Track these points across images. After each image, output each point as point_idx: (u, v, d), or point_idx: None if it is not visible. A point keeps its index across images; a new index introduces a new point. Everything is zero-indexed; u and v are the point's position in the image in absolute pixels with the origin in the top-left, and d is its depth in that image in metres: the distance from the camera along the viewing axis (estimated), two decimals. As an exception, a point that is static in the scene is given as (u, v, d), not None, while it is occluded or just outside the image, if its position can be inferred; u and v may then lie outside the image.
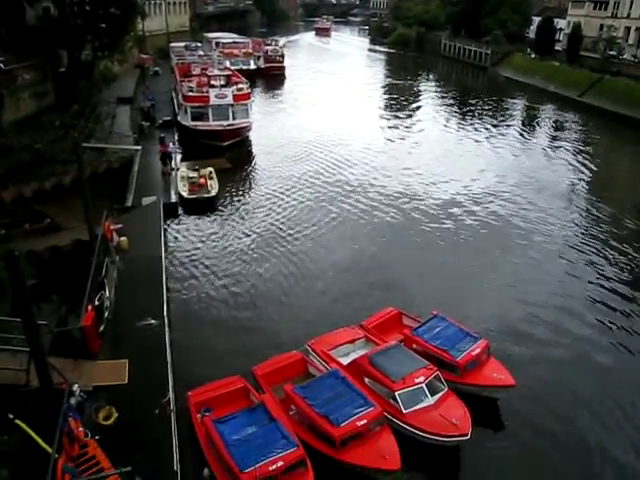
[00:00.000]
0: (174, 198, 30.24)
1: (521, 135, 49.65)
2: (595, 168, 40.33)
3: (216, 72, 46.48)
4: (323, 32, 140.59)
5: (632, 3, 71.18)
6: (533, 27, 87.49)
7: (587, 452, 15.35)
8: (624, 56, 67.94)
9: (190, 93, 42.08)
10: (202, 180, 31.99)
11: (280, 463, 12.74)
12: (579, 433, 16.01)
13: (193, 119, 40.83)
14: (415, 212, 30.75)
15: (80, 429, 13.30)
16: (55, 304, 20.56)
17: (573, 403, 17.09)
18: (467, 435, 14.53)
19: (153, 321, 18.27)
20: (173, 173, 33.16)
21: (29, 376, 14.39)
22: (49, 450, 12.46)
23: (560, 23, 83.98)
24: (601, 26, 75.90)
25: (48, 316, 18.60)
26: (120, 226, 23.72)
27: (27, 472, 13.49)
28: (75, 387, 14.41)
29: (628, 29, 71.59)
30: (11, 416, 13.45)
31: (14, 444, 13.29)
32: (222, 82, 44.30)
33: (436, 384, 15.80)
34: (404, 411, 15.01)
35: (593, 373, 18.52)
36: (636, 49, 69.03)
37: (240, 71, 56.33)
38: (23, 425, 13.28)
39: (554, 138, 49.01)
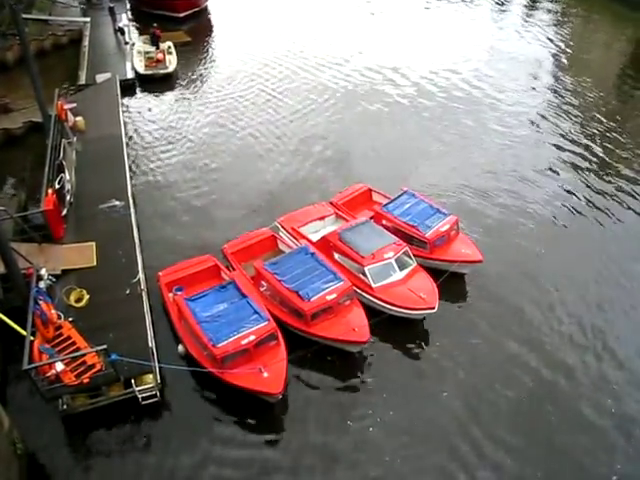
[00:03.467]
0: (130, 74, 28.42)
1: (496, 8, 47.07)
2: (571, 43, 38.91)
3: None
4: None
5: None
6: None
7: (546, 318, 16.24)
8: None
9: (141, -43, 38.08)
10: (160, 55, 30.00)
11: (252, 337, 13.15)
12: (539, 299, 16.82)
13: (145, -13, 37.35)
14: (384, 86, 29.64)
15: (52, 312, 13.40)
16: (13, 189, 19.82)
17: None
18: (434, 308, 15.10)
19: (117, 202, 17.85)
20: (128, 47, 30.90)
21: (-7, 262, 14.14)
22: (24, 333, 12.58)
23: None
24: None
25: (7, 202, 18.07)
26: (74, 105, 22.31)
27: (5, 356, 13.75)
28: (43, 271, 14.31)
29: None
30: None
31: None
32: (174, -58, 40.13)
33: (405, 259, 16.12)
34: (373, 285, 15.43)
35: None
36: None
37: None
38: (-5, 311, 13.29)
39: (530, 10, 46.66)
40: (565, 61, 35.41)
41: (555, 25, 42.42)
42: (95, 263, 15.61)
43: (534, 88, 30.59)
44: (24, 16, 23.81)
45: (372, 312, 15.11)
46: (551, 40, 38.77)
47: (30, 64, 19.45)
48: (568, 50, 37.22)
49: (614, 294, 17.14)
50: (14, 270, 13.53)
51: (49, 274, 14.54)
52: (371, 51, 34.01)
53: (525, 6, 47.87)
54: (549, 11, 45.72)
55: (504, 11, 45.74)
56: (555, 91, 30.56)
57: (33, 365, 11.73)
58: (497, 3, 47.35)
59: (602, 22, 44.52)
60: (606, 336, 15.78)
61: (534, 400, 14.06)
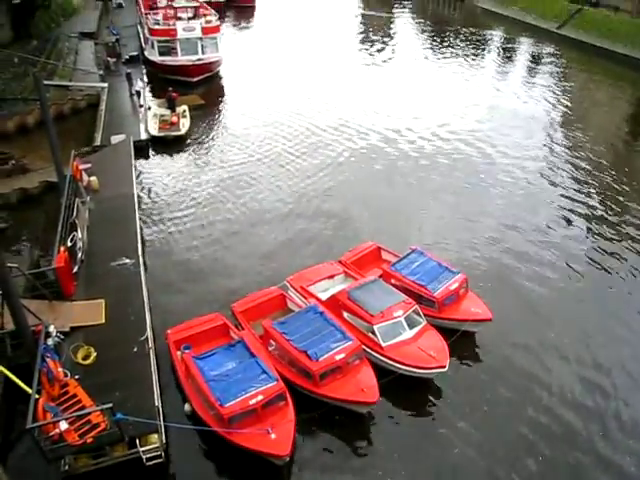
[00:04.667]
0: (144, 136, 29.34)
1: (499, 67, 48.82)
2: (571, 101, 40.09)
3: (183, 3, 44.36)
4: None
5: None
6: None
7: (560, 386, 15.87)
8: (603, -14, 66.42)
9: (156, 26, 40.17)
10: (174, 118, 31.08)
11: (260, 397, 12.93)
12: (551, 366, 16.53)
13: (161, 54, 39.21)
14: (387, 145, 30.41)
15: (59, 369, 13.26)
16: (27, 247, 20.12)
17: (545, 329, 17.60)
18: (445, 367, 14.87)
19: (128, 260, 18.01)
20: (142, 110, 32.05)
21: (3, 319, 14.19)
22: (29, 391, 12.43)
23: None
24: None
25: (20, 259, 18.32)
26: (89, 166, 22.97)
27: (9, 414, 13.56)
28: (51, 328, 14.24)
29: (608, -43, 69.67)
30: (-12, 359, 13.36)
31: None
32: (189, 14, 42.44)
33: (414, 318, 16.01)
34: (383, 344, 15.25)
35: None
36: (615, -22, 67.46)
37: (209, 3, 53.73)
38: (2, 368, 13.19)
39: (532, 71, 48.32)
40: (566, 118, 36.57)
41: (556, 84, 43.79)
42: (104, 320, 15.59)
43: (535, 145, 31.60)
44: (46, 83, 24.91)
45: (382, 371, 14.86)
46: (552, 98, 40.10)
47: (49, 127, 20.12)
48: (569, 108, 38.44)
49: (628, 353, 16.80)
50: (23, 327, 13.51)
51: (58, 331, 14.48)
52: (374, 112, 35.38)
53: (527, 66, 49.66)
54: (550, 71, 47.33)
55: (506, 72, 47.42)
56: (556, 147, 31.47)
57: (37, 424, 11.52)
58: (499, 65, 49.21)
59: (602, 82, 45.97)
60: (618, 400, 15.36)
61: (547, 460, 13.57)
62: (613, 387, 15.68)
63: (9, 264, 13.24)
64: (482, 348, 16.81)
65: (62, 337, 14.58)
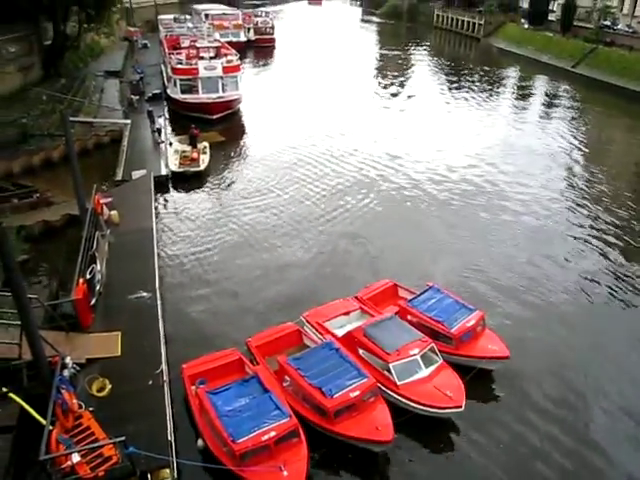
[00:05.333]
0: (164, 171, 29.90)
1: (514, 105, 49.29)
2: (588, 138, 40.23)
3: (205, 44, 45.75)
4: (315, 1, 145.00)
5: (626, -27, 70.19)
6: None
7: (581, 426, 15.47)
8: (618, 26, 67.22)
9: (179, 65, 41.37)
10: (195, 154, 31.67)
11: (273, 433, 12.79)
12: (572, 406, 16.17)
13: (182, 92, 40.30)
14: (406, 184, 30.61)
15: (74, 401, 13.31)
16: (46, 278, 20.44)
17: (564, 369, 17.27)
18: (461, 407, 14.60)
19: (145, 293, 18.20)
20: (162, 146, 32.75)
21: (21, 349, 14.31)
22: (43, 422, 12.47)
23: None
24: (595, -4, 74.86)
25: (40, 290, 18.57)
26: (110, 200, 23.46)
27: (22, 444, 13.55)
28: (68, 359, 14.36)
29: (622, -1, 70.72)
30: (5, 389, 13.43)
31: (8, 417, 13.27)
32: (211, 54, 43.80)
33: (430, 356, 15.82)
34: (398, 383, 15.05)
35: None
36: (630, 19, 68.24)
37: (230, 43, 55.46)
38: (17, 398, 13.26)
39: (548, 108, 48.68)
40: (582, 155, 36.79)
41: (572, 121, 44.12)
42: (119, 353, 15.68)
43: (552, 181, 31.72)
44: (72, 119, 25.68)
45: (397, 410, 14.63)
46: (568, 135, 40.34)
47: (73, 162, 20.68)
48: (585, 144, 38.66)
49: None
50: (41, 358, 13.64)
51: (74, 363, 14.60)
52: (391, 150, 35.71)
53: (542, 103, 50.06)
54: (566, 108, 47.67)
55: (522, 109, 47.85)
56: (574, 184, 31.73)
57: (50, 455, 11.52)
58: (515, 102, 49.68)
59: (618, 118, 46.24)
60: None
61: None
62: None
63: (29, 295, 13.46)
64: (499, 386, 16.48)
65: (78, 368, 14.67)
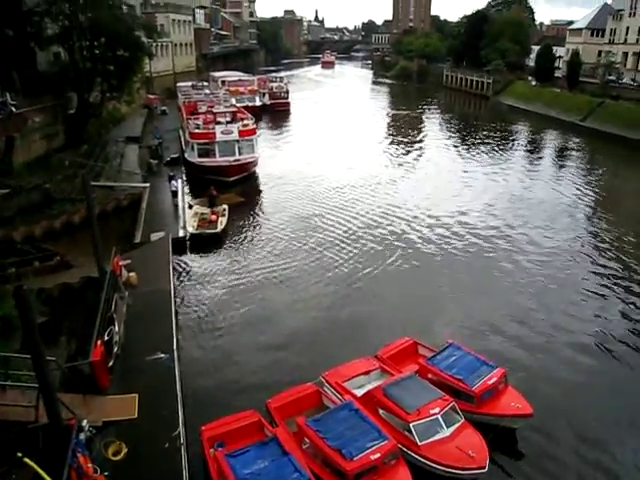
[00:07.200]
0: (182, 233, 30.34)
1: (525, 160, 49.87)
2: (599, 190, 40.37)
3: (222, 109, 47.31)
4: (328, 65, 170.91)
5: (628, 29, 72.38)
6: (533, 55, 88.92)
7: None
8: (623, 80, 68.72)
9: (196, 130, 42.70)
10: (213, 217, 32.10)
11: (292, 498, 12.45)
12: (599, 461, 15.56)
13: (200, 155, 41.39)
14: (420, 244, 30.71)
15: (89, 465, 13.10)
16: (65, 341, 20.49)
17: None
18: (485, 467, 14.13)
19: (163, 355, 18.16)
20: (180, 209, 33.31)
21: (38, 412, 14.24)
22: (58, 488, 12.26)
23: (559, 51, 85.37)
24: (599, 52, 77.05)
25: (57, 353, 18.57)
26: (129, 262, 23.82)
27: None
28: (84, 423, 14.21)
29: (625, 54, 72.63)
30: (20, 454, 13.28)
31: (23, 483, 13.11)
32: (228, 119, 45.16)
33: (452, 415, 15.44)
34: (419, 443, 14.64)
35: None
36: (634, 73, 69.73)
37: (246, 108, 57.32)
38: (31, 463, 13.05)
39: (558, 162, 49.20)
40: (594, 207, 36.79)
41: (582, 173, 44.43)
42: (136, 415, 15.53)
43: (565, 235, 31.60)
44: (93, 184, 26.45)
45: (418, 471, 14.18)
46: (579, 188, 40.64)
47: (93, 226, 21.18)
48: (597, 197, 38.68)
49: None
50: (57, 421, 13.57)
51: (90, 426, 14.47)
52: (401, 203, 36.05)
53: (552, 156, 50.56)
54: (576, 160, 48.08)
55: (532, 162, 48.36)
56: (586, 237, 31.46)
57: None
58: (525, 156, 50.25)
59: (628, 169, 46.47)
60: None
61: None
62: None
63: (47, 358, 13.52)
64: (523, 445, 15.95)
65: (94, 431, 14.53)
